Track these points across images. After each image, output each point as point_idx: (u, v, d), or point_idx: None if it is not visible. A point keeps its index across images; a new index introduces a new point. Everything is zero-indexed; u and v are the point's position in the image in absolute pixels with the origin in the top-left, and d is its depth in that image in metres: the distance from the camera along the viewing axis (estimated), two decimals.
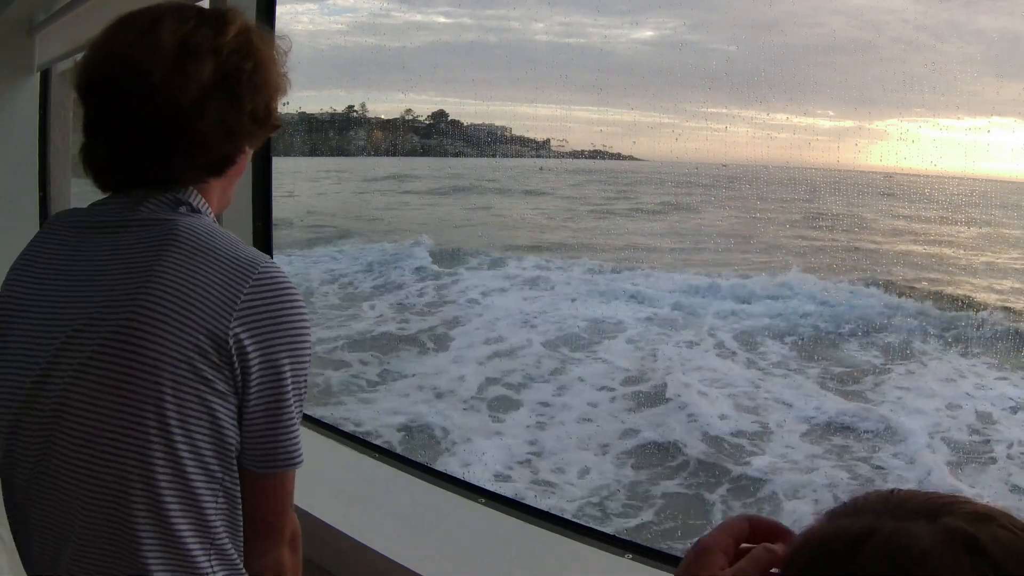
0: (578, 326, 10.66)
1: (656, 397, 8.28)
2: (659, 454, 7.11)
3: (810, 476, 6.66)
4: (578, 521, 2.86)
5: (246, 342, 0.87)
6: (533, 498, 5.97)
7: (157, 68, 0.89)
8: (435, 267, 13.79)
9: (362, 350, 9.76)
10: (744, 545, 0.61)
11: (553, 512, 2.80)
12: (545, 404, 8.30)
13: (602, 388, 8.71)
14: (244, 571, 0.95)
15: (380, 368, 9.26)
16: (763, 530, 0.62)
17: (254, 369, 0.88)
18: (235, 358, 0.86)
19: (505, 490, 5.76)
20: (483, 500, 2.27)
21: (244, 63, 0.94)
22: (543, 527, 2.10)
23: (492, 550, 2.06)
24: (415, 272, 13.50)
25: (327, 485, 2.49)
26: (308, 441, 3.00)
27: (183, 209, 0.94)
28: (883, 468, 6.85)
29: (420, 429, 7.61)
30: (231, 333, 0.86)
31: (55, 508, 0.89)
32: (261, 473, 0.92)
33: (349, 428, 6.17)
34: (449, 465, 6.74)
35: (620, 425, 7.77)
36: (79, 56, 1.02)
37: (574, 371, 9.21)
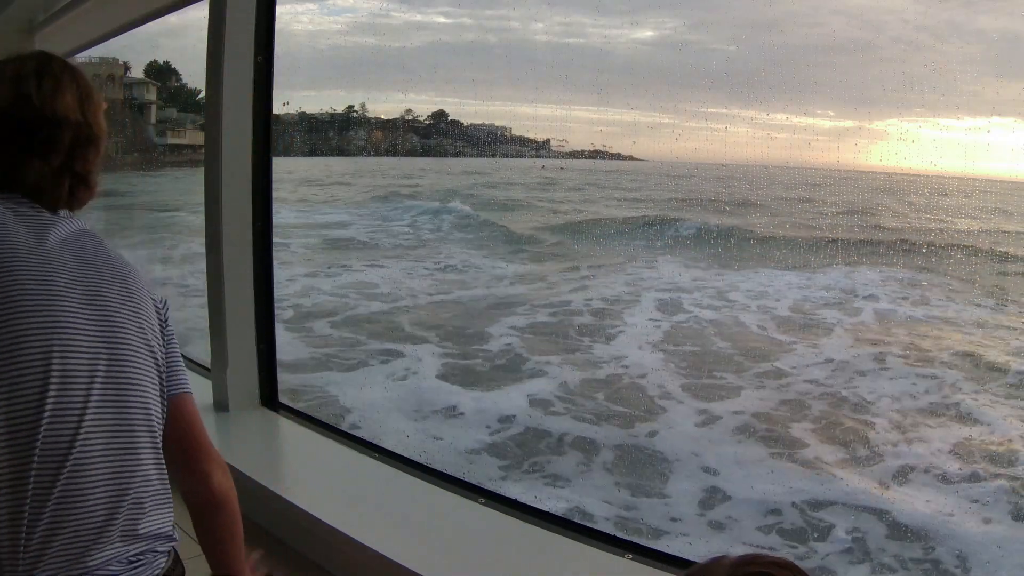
0: None
1: None
2: None
3: None
4: (578, 521, 2.85)
5: (156, 297, 1.09)
6: None
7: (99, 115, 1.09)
8: None
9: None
10: None
11: (553, 512, 2.79)
12: None
13: None
14: None
15: None
16: None
17: (166, 313, 1.10)
18: (163, 312, 1.09)
19: None
20: (483, 500, 2.26)
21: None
22: (543, 527, 2.09)
23: (492, 550, 2.06)
24: None
25: (327, 485, 2.48)
26: (309, 441, 2.98)
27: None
28: None
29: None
30: (156, 295, 1.08)
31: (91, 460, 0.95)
32: (182, 393, 1.08)
33: None
34: None
35: None
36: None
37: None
